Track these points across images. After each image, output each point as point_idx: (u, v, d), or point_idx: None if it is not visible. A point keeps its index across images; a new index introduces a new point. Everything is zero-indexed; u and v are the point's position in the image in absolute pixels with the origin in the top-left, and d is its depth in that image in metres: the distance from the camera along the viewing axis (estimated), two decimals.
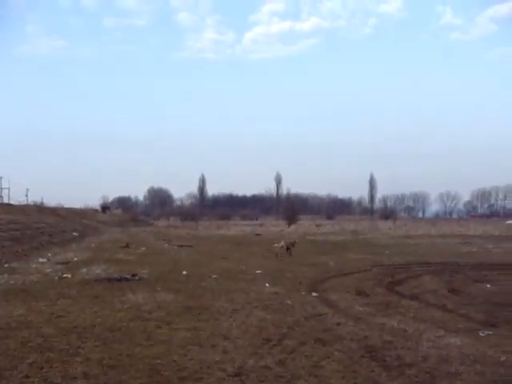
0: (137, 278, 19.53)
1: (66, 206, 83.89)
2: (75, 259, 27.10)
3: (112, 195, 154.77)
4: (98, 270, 21.79)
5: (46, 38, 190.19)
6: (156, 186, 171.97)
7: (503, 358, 8.99)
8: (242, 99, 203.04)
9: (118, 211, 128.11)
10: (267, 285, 17.67)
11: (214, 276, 20.00)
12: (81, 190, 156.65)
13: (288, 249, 30.81)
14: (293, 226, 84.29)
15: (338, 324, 11.77)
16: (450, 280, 19.29)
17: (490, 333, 11.05)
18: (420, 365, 8.66)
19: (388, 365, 8.69)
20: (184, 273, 20.99)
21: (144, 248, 36.06)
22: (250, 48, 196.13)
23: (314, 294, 16.05)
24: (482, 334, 10.93)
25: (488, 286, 17.83)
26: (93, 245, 39.61)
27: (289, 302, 14.42)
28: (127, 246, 37.45)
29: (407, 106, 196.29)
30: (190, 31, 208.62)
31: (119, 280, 18.84)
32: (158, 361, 8.87)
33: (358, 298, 15.42)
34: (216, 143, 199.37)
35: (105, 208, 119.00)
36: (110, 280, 18.85)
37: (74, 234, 50.40)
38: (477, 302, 14.82)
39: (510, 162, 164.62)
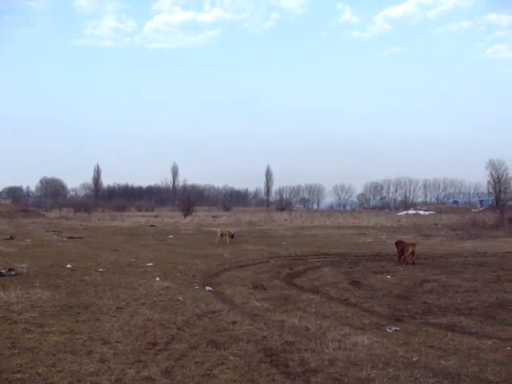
0: (13, 272, 17.48)
1: None
2: None
3: (2, 185, 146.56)
4: None
5: None
6: (49, 176, 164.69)
7: (415, 359, 8.10)
8: (139, 89, 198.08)
9: (7, 201, 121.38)
10: (157, 279, 16.22)
11: (101, 269, 18.31)
12: None
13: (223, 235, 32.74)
14: (189, 218, 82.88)
15: (234, 323, 10.54)
16: (349, 271, 18.66)
17: (397, 328, 10.23)
18: (327, 370, 7.58)
19: (291, 371, 7.54)
20: (68, 266, 19.15)
21: (29, 240, 33.51)
22: (151, 37, 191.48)
23: (207, 288, 14.79)
24: (389, 330, 10.09)
25: (388, 277, 17.33)
26: None
27: (180, 298, 13.07)
28: (11, 237, 34.74)
29: (305, 102, 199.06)
30: (88, 18, 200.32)
31: None
32: (19, 375, 7.27)
33: (254, 292, 14.31)
34: (111, 133, 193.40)
35: None
36: None
37: None
38: (379, 295, 14.14)
39: (401, 156, 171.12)
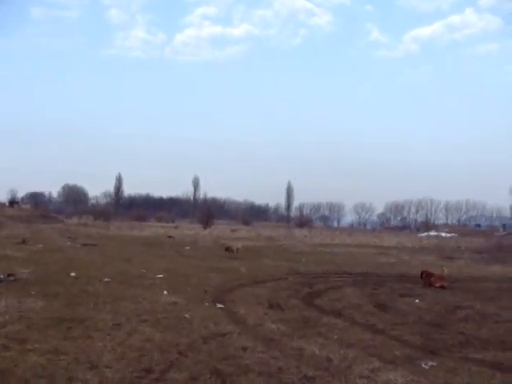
0: (12, 278, 16.31)
1: None
2: None
3: (24, 191, 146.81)
4: None
5: None
6: (71, 183, 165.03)
7: None
8: (164, 101, 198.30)
9: (28, 206, 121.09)
10: (165, 292, 14.89)
11: (106, 279, 17.01)
12: None
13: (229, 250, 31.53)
14: (208, 230, 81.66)
15: (245, 349, 9.15)
16: (373, 293, 17.17)
17: (434, 364, 8.78)
18: None
19: None
20: (72, 274, 17.88)
21: (42, 245, 32.35)
22: (180, 50, 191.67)
23: (219, 305, 13.43)
24: (425, 367, 8.65)
25: (417, 301, 15.82)
26: None
27: (187, 316, 11.72)
28: (24, 242, 33.75)
29: (329, 118, 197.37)
30: (119, 29, 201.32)
31: None
32: None
33: (270, 312, 12.93)
34: (135, 143, 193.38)
35: (12, 202, 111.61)
36: None
37: None
38: (409, 321, 12.68)
39: (423, 177, 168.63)
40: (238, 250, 31.59)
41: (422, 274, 20.50)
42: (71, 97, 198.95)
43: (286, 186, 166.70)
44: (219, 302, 13.78)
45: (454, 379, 7.97)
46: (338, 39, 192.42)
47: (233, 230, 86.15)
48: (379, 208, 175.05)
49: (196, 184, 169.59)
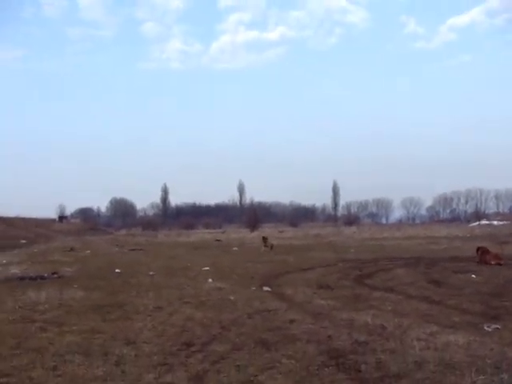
0: (56, 276, 16.41)
1: (22, 215, 79.18)
2: (4, 261, 23.45)
3: (74, 206, 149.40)
4: (15, 270, 18.44)
5: (6, 48, 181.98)
6: (118, 196, 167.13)
7: None
8: (206, 108, 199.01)
9: (77, 221, 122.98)
10: (210, 280, 14.48)
11: (151, 273, 16.76)
12: (40, 199, 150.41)
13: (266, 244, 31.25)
14: (255, 233, 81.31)
15: (292, 321, 8.64)
16: (426, 272, 16.41)
17: (498, 327, 8.07)
18: (414, 375, 5.60)
19: (365, 377, 5.61)
20: (117, 271, 17.69)
21: (89, 251, 32.54)
22: (217, 57, 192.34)
23: (266, 288, 12.93)
24: (488, 329, 7.95)
25: (473, 276, 14.99)
26: (35, 250, 35.84)
27: (231, 298, 11.27)
28: (72, 249, 34.10)
29: (372, 113, 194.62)
30: (155, 42, 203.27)
31: (34, 279, 15.80)
32: (6, 379, 5.68)
33: (319, 291, 12.36)
34: (179, 153, 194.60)
35: (62, 217, 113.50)
36: (22, 278, 15.84)
37: (23, 241, 46.80)
38: (466, 293, 11.92)
39: (470, 166, 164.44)
40: (272, 246, 31.35)
41: (477, 249, 19.62)
42: (113, 112, 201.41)
43: (331, 186, 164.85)
44: (266, 286, 13.28)
45: None
46: (374, 34, 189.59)
47: (280, 231, 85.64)
48: (428, 201, 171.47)
49: (241, 189, 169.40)
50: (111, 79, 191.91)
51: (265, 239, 31.74)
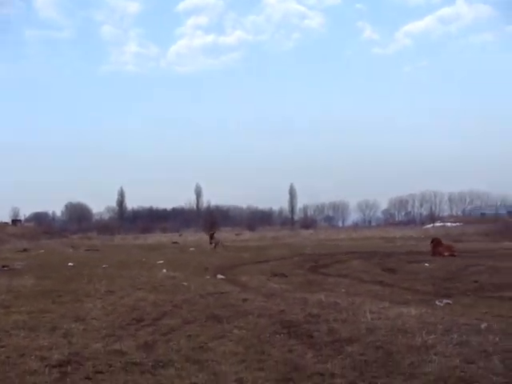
0: (6, 268, 15.93)
1: None
2: None
3: (28, 211, 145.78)
4: None
5: None
6: (74, 200, 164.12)
7: (484, 325, 6.01)
8: (163, 111, 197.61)
9: (31, 224, 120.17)
10: (164, 270, 14.25)
11: (104, 266, 16.42)
12: None
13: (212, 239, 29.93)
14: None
15: (245, 300, 8.54)
16: (381, 262, 16.57)
17: (450, 302, 8.15)
18: (365, 339, 5.56)
19: (316, 342, 5.55)
20: (70, 264, 17.29)
21: (43, 250, 31.76)
22: (174, 61, 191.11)
23: (220, 276, 12.80)
24: (439, 304, 8.03)
25: (426, 264, 15.20)
26: None
27: (185, 283, 11.08)
28: (25, 250, 33.18)
29: (328, 118, 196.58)
30: (113, 45, 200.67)
31: None
32: None
33: (274, 278, 12.29)
34: (134, 157, 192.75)
35: (15, 221, 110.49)
36: None
37: None
38: (420, 278, 12.09)
39: (425, 170, 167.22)
40: (218, 243, 30.30)
41: (432, 241, 19.92)
42: (68, 115, 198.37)
43: (288, 189, 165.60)
44: (220, 275, 13.15)
45: (472, 310, 7.37)
46: (331, 40, 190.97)
47: (237, 234, 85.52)
48: (383, 204, 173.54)
49: (198, 193, 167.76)
50: (69, 82, 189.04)
51: (212, 236, 30.53)
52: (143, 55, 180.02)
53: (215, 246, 29.21)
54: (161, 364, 4.87)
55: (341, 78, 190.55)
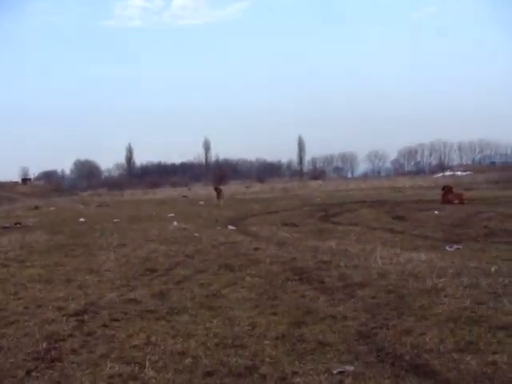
0: (19, 225, 16.09)
1: None
2: None
3: (38, 169, 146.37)
4: None
5: None
6: (82, 158, 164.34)
7: (494, 268, 6.06)
8: (168, 67, 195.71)
9: (41, 182, 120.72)
10: (175, 223, 14.37)
11: (116, 220, 16.57)
12: (3, 163, 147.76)
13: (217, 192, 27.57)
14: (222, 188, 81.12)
15: (256, 249, 8.66)
16: (391, 211, 16.55)
17: (460, 247, 8.20)
18: (376, 283, 5.66)
19: (327, 287, 5.65)
20: (81, 220, 17.45)
21: (53, 208, 31.96)
22: (179, 14, 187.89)
23: (230, 227, 12.91)
24: (449, 249, 8.08)
25: (436, 212, 15.15)
26: None
27: (196, 235, 11.21)
28: (36, 207, 33.41)
29: (336, 68, 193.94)
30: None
31: None
32: None
33: (284, 228, 12.37)
34: (142, 112, 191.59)
35: (25, 180, 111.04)
36: None
37: None
38: (429, 225, 12.08)
39: (433, 119, 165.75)
40: (221, 192, 27.99)
41: (443, 188, 19.91)
42: (75, 71, 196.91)
43: (297, 141, 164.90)
44: (231, 226, 13.25)
45: (482, 255, 7.43)
46: None
47: (247, 187, 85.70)
48: (392, 155, 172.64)
49: (207, 147, 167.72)
50: (74, 37, 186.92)
51: (217, 190, 28.36)
52: (147, 8, 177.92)
53: (218, 198, 27.36)
54: (175, 311, 4.98)
55: (347, 26, 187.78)
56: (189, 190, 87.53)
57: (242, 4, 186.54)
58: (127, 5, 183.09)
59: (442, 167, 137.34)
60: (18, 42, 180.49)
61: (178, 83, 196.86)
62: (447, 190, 19.63)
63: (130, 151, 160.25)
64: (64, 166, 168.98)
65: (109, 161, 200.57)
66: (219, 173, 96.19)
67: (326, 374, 3.36)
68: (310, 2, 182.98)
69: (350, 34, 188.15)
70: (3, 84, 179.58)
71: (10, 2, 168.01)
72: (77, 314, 4.98)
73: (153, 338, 4.19)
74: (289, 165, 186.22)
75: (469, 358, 3.49)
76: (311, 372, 3.42)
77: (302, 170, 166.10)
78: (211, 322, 4.60)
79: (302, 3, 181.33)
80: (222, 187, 29.17)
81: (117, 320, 4.74)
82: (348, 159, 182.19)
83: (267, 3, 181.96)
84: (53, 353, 3.96)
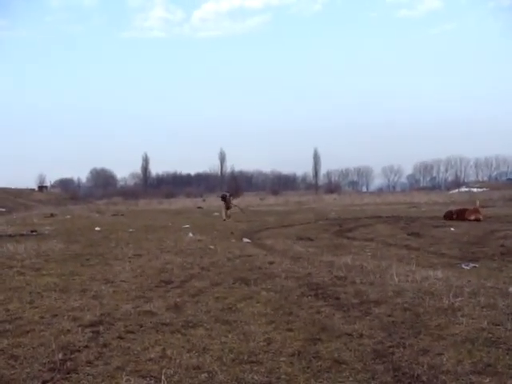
0: (35, 233, 16.22)
1: (0, 186, 78.18)
2: None
3: (54, 177, 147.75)
4: None
5: None
6: (99, 167, 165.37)
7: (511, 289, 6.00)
8: (188, 77, 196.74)
9: (57, 190, 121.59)
10: (191, 234, 14.41)
11: (131, 230, 16.65)
12: (20, 170, 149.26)
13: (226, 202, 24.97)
14: (236, 200, 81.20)
15: (271, 263, 8.64)
16: (405, 226, 16.50)
17: (476, 265, 8.13)
18: (392, 301, 5.61)
19: (343, 303, 5.61)
20: (97, 229, 17.53)
21: (69, 216, 32.17)
22: (199, 26, 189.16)
23: (245, 240, 12.92)
24: (465, 267, 8.01)
25: (452, 229, 15.10)
26: (15, 216, 35.36)
27: (211, 247, 11.22)
28: (52, 215, 33.73)
29: (353, 81, 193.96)
30: (137, 10, 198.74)
31: (12, 236, 15.50)
32: None
33: (299, 242, 12.36)
34: (159, 122, 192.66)
35: (41, 187, 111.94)
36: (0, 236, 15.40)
37: (1, 209, 46.34)
38: (445, 242, 12.01)
39: (451, 134, 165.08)
40: (230, 202, 25.56)
41: (455, 212, 19.77)
42: (94, 82, 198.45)
43: (312, 154, 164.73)
44: (246, 238, 13.26)
45: (499, 274, 7.36)
46: (357, 2, 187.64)
47: (261, 199, 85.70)
48: (408, 170, 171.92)
49: (222, 158, 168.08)
50: (93, 48, 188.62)
51: (226, 200, 25.06)
52: (168, 20, 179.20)
53: (228, 209, 24.94)
54: (190, 324, 4.97)
55: (366, 42, 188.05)
56: (203, 200, 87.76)
57: (262, 17, 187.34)
58: (147, 16, 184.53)
59: (457, 183, 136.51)
60: (39, 53, 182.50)
61: (196, 94, 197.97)
62: (461, 211, 19.50)
63: (145, 161, 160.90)
64: (80, 174, 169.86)
65: (125, 170, 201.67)
66: (234, 185, 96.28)
67: None
68: (333, 15, 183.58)
69: (367, 47, 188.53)
70: (25, 93, 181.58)
71: (30, 13, 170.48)
72: (92, 324, 4.99)
73: (168, 352, 4.19)
74: (304, 178, 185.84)
75: (487, 381, 3.46)
76: None
77: (317, 183, 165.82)
78: (226, 336, 4.59)
79: (323, 16, 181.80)
80: (230, 195, 26.02)
81: (132, 332, 4.74)
82: (363, 173, 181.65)
83: (288, 16, 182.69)
84: (68, 364, 3.96)
